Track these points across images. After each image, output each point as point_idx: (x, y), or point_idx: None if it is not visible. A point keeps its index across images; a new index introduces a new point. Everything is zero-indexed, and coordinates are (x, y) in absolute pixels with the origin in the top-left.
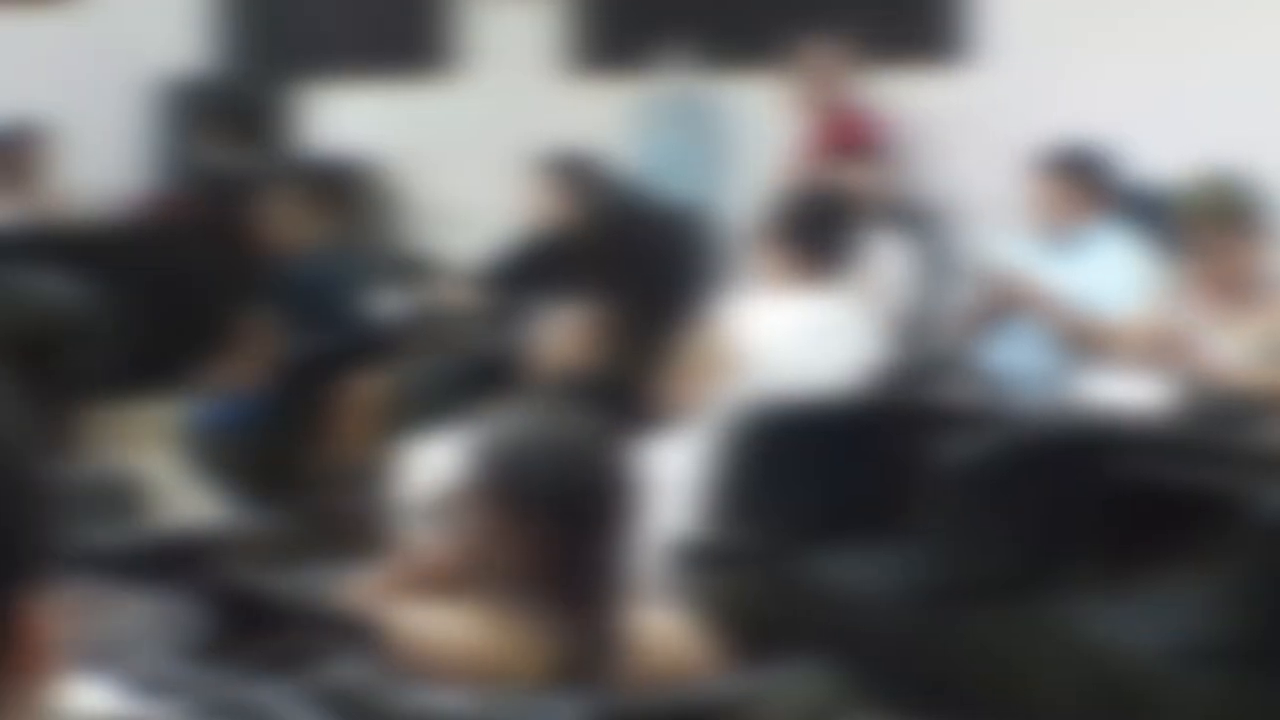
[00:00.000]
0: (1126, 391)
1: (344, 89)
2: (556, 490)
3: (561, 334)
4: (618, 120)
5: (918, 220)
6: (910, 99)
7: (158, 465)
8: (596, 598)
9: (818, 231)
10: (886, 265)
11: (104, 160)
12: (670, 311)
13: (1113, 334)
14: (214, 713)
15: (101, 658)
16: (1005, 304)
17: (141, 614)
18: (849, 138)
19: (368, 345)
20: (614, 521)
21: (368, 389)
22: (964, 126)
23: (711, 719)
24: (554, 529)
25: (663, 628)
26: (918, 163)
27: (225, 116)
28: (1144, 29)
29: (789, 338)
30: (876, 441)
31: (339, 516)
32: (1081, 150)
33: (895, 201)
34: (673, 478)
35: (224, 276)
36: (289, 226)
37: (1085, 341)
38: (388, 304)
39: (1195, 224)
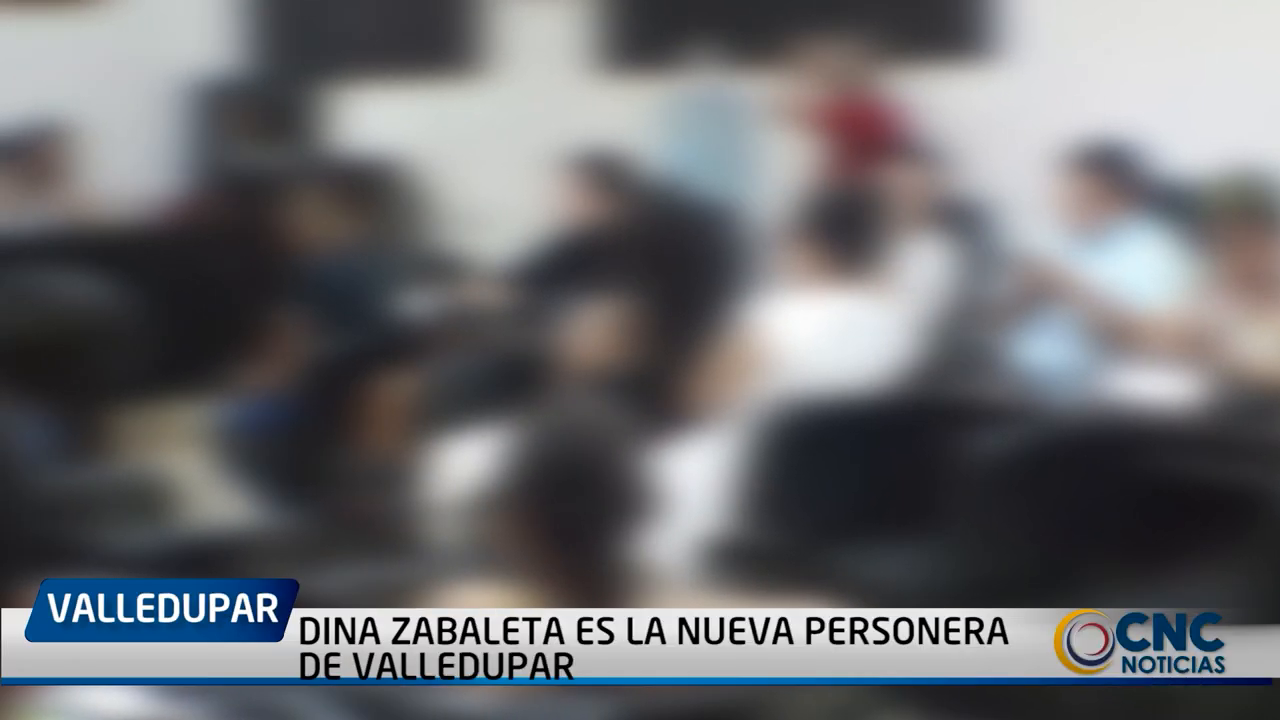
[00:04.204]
0: (1156, 386)
1: (373, 88)
2: (583, 488)
3: (591, 333)
4: (646, 118)
5: (955, 217)
6: (938, 96)
7: (187, 466)
8: (617, 594)
9: (846, 229)
10: (921, 263)
11: (132, 161)
12: (700, 310)
13: (1142, 326)
14: (240, 715)
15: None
16: (1038, 292)
17: None
18: (871, 133)
19: (397, 345)
20: (639, 519)
21: (397, 389)
22: (991, 123)
23: (735, 719)
24: (579, 526)
25: None
26: (949, 159)
27: (253, 117)
28: (1171, 25)
29: (819, 336)
30: (907, 438)
31: (368, 516)
32: (1109, 146)
33: (932, 198)
34: (702, 476)
35: (252, 277)
36: (318, 226)
37: (1116, 332)
38: (417, 303)
39: (1222, 220)
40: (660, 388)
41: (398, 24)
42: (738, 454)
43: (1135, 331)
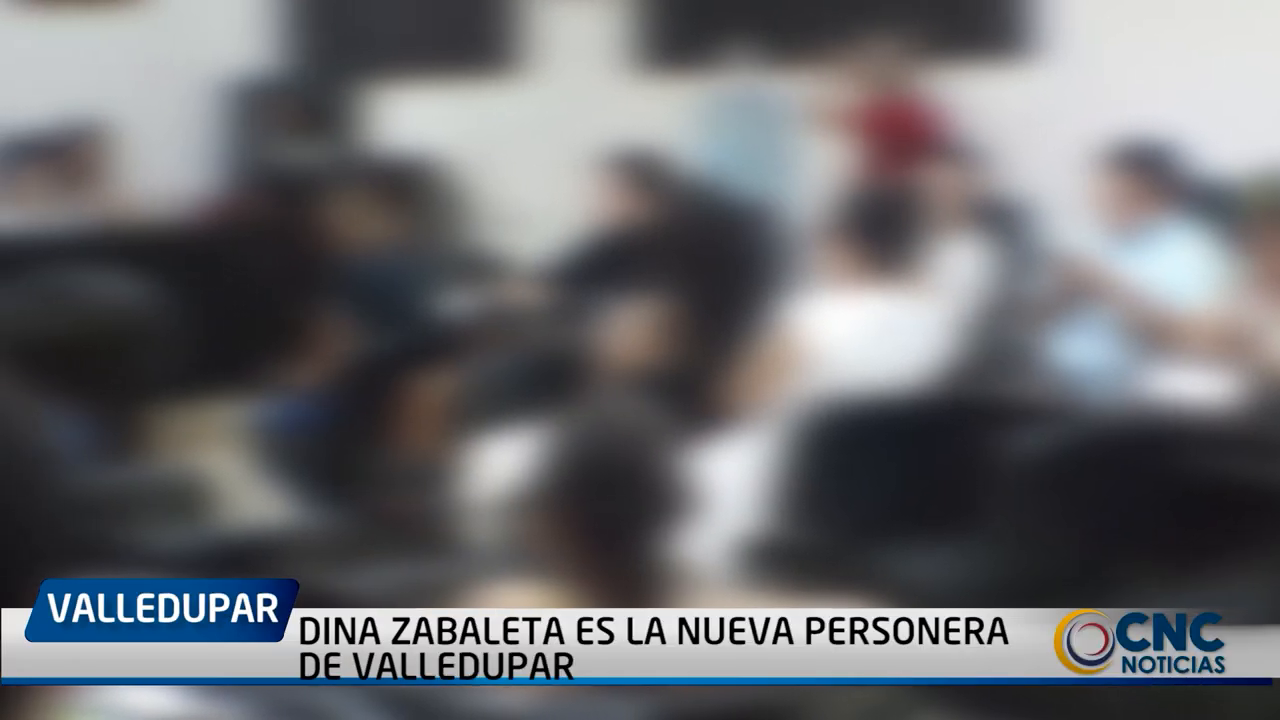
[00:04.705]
0: (1193, 386)
1: (411, 88)
2: (619, 488)
3: (628, 332)
4: (683, 118)
5: (993, 216)
6: (975, 95)
7: (225, 465)
8: (654, 594)
9: (884, 229)
10: (959, 262)
11: (170, 160)
12: (737, 309)
13: (1179, 325)
14: (277, 714)
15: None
16: (1075, 292)
17: None
18: (909, 133)
19: (435, 344)
20: (675, 518)
21: (435, 388)
22: (1029, 122)
23: (770, 719)
24: (615, 526)
25: None
26: (987, 159)
27: (292, 116)
28: (1208, 25)
29: (856, 335)
30: (944, 437)
31: (406, 516)
32: (1146, 145)
33: (970, 198)
34: (739, 475)
35: (290, 276)
36: (356, 225)
37: (1153, 331)
38: (455, 303)
39: (1258, 219)
40: (697, 387)
41: (435, 23)
42: (775, 453)
43: (1172, 331)
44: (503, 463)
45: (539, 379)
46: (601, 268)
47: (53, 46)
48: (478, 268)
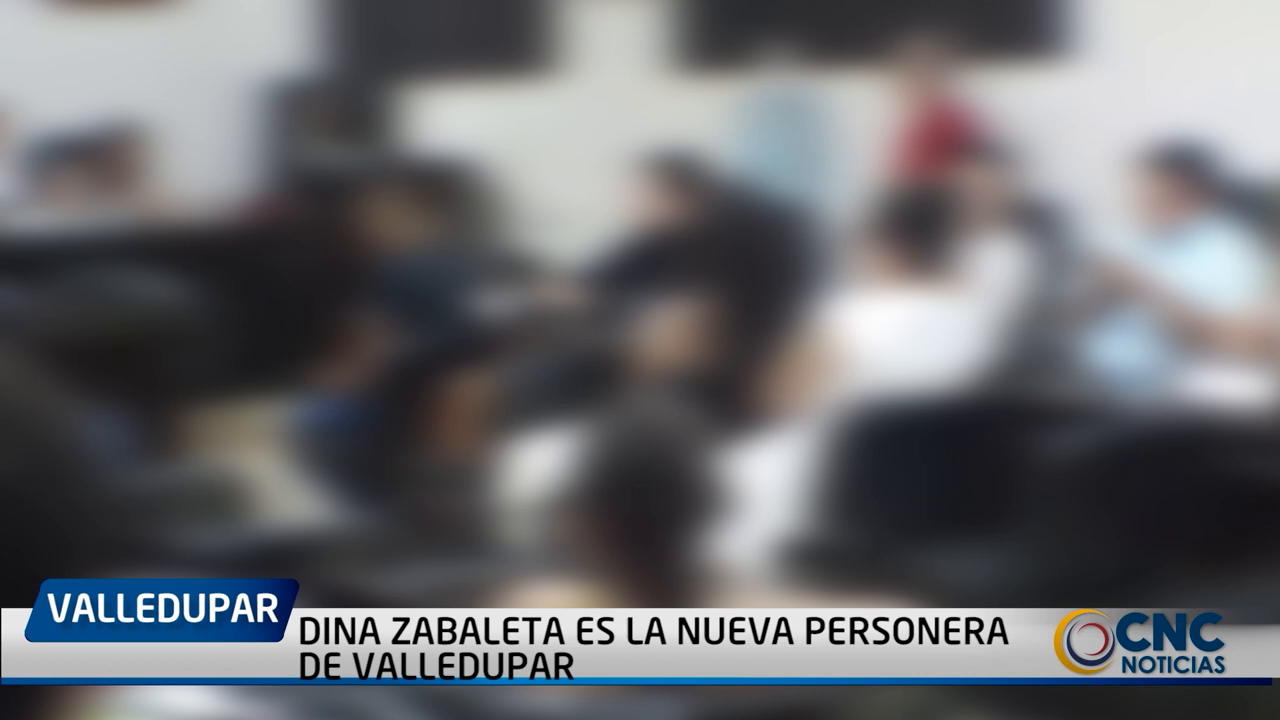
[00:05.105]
0: (1231, 386)
1: (448, 88)
2: (656, 488)
3: (666, 333)
4: (721, 118)
5: (1030, 216)
6: (1013, 95)
7: (263, 465)
8: (690, 594)
9: (921, 229)
10: (997, 262)
11: (208, 161)
12: (775, 309)
13: (1218, 326)
14: (316, 714)
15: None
16: (1113, 292)
17: None
18: (950, 133)
19: (473, 345)
20: (712, 519)
21: (472, 388)
22: (1067, 122)
23: (810, 719)
24: (652, 526)
25: None
26: (1024, 159)
27: (330, 116)
28: (1247, 25)
29: (894, 335)
30: (982, 437)
31: (443, 516)
32: (1184, 146)
33: (1007, 198)
34: (777, 476)
35: (329, 277)
36: (394, 226)
37: (1191, 332)
38: (493, 303)
39: None
40: (735, 388)
41: (473, 24)
42: (813, 454)
43: (1210, 331)
44: (540, 463)
45: (576, 379)
46: (639, 268)
47: (91, 47)
48: (515, 268)
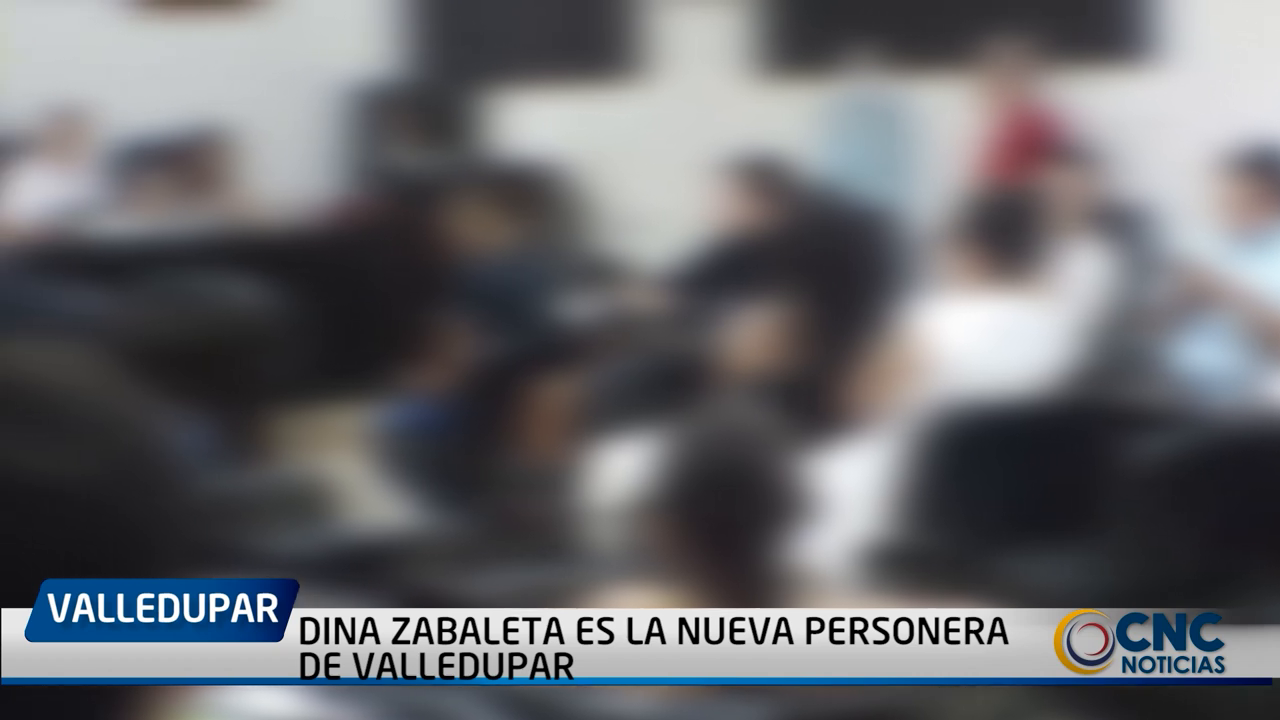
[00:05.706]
0: None
1: (532, 93)
2: (739, 492)
3: (750, 337)
4: (805, 122)
5: (1115, 220)
6: (1098, 98)
7: (348, 469)
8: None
9: (1006, 233)
10: (1081, 266)
11: (292, 165)
12: (859, 314)
13: None
14: (399, 715)
15: None
16: (1197, 296)
17: None
18: (1036, 138)
19: (557, 349)
20: (795, 523)
21: (557, 392)
22: (1151, 126)
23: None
24: (736, 530)
25: None
26: (1109, 162)
27: (413, 121)
28: None
29: (978, 339)
30: (1066, 442)
31: (528, 520)
32: (1269, 149)
33: (1092, 202)
34: (861, 480)
35: (413, 280)
36: (478, 230)
37: (1276, 336)
38: (577, 308)
39: None
40: (819, 392)
41: (558, 28)
42: (896, 458)
43: None
44: (624, 467)
45: (660, 384)
46: (723, 273)
47: (176, 52)
48: (600, 272)
